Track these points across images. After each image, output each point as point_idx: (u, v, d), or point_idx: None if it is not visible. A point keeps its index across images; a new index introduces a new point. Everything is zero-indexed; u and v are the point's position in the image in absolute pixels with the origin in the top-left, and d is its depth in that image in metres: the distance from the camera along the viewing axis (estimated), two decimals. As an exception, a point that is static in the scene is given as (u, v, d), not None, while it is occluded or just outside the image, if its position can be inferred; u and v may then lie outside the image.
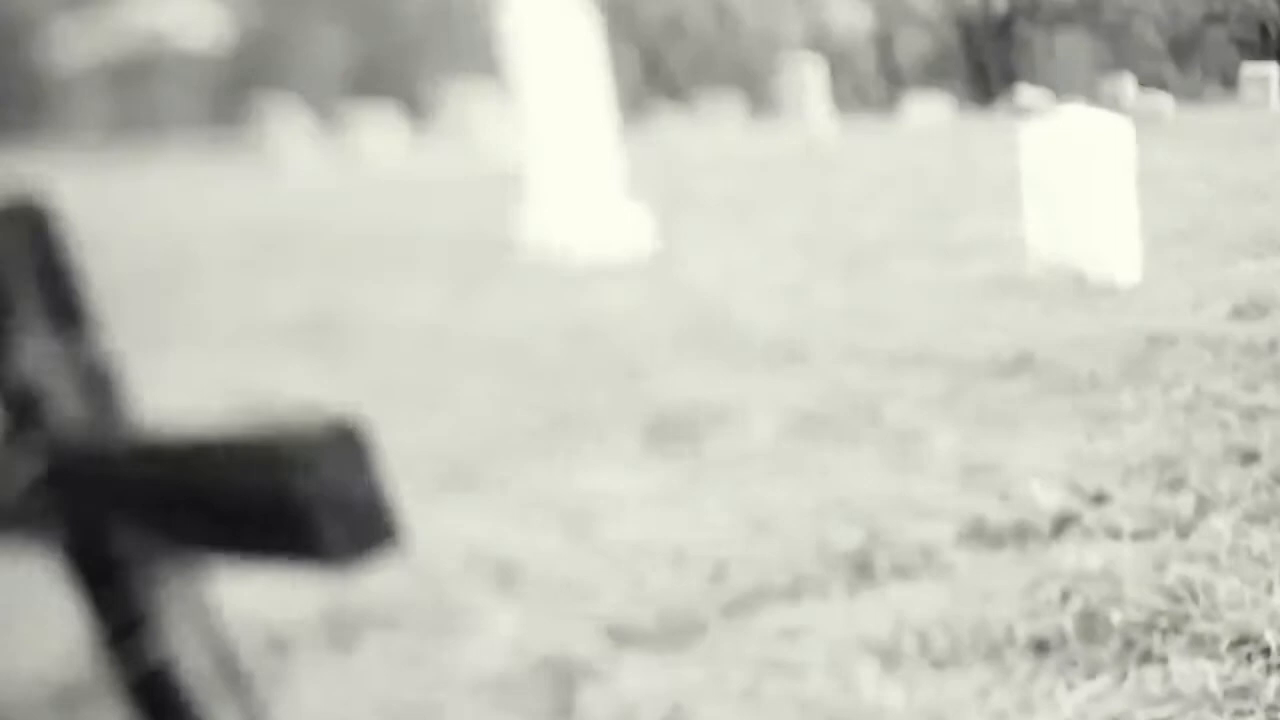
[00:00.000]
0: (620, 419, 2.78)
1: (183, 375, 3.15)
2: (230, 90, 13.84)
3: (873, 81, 20.25)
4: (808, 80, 17.04)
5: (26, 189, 1.12)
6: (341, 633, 1.70)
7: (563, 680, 1.58)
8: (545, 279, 4.94)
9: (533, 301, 4.25)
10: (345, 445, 1.02)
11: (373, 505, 1.03)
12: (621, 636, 1.70)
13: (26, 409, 1.13)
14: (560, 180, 5.70)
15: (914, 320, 3.74)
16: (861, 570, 1.86)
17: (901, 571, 1.87)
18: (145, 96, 15.52)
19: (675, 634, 1.70)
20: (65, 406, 1.11)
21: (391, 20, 15.88)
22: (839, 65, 18.27)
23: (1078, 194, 4.51)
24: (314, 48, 15.59)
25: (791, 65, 17.14)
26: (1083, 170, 4.50)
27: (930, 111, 16.82)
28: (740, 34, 18.89)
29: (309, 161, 11.19)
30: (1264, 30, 24.24)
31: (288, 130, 12.18)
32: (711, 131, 14.73)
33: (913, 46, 21.21)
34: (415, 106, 12.19)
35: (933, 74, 20.44)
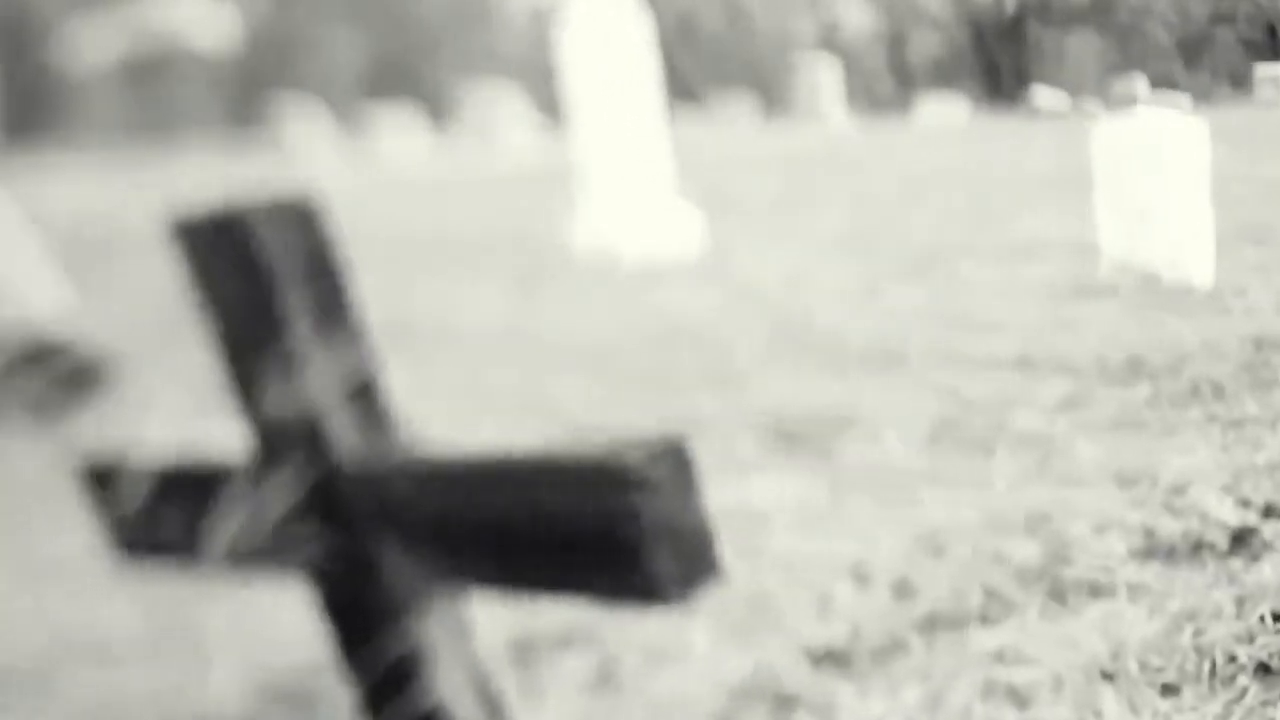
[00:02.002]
0: (734, 425, 2.71)
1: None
2: (245, 91, 13.75)
3: (884, 81, 20.19)
4: (822, 80, 16.98)
5: (297, 189, 1.05)
6: (529, 654, 1.63)
7: (773, 705, 1.51)
8: (606, 281, 4.87)
9: (603, 303, 4.18)
10: (676, 466, 0.95)
11: (702, 534, 0.96)
12: (819, 656, 1.63)
13: (291, 426, 1.05)
14: (612, 181, 5.63)
15: (1004, 323, 3.68)
16: (1051, 588, 1.79)
17: (1091, 589, 1.80)
18: (160, 97, 15.44)
19: (876, 654, 1.63)
20: (334, 422, 1.04)
21: (406, 20, 15.81)
22: (850, 65, 18.22)
23: (1152, 195, 4.45)
24: (329, 48, 15.52)
25: (805, 65, 17.08)
26: (1157, 171, 4.43)
27: (944, 111, 16.77)
28: (753, 34, 18.82)
29: (329, 162, 11.10)
30: (1271, 30, 24.24)
31: (307, 131, 12.08)
32: (727, 132, 14.66)
33: (924, 47, 21.15)
34: (434, 107, 12.12)
35: (943, 74, 20.39)
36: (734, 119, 16.38)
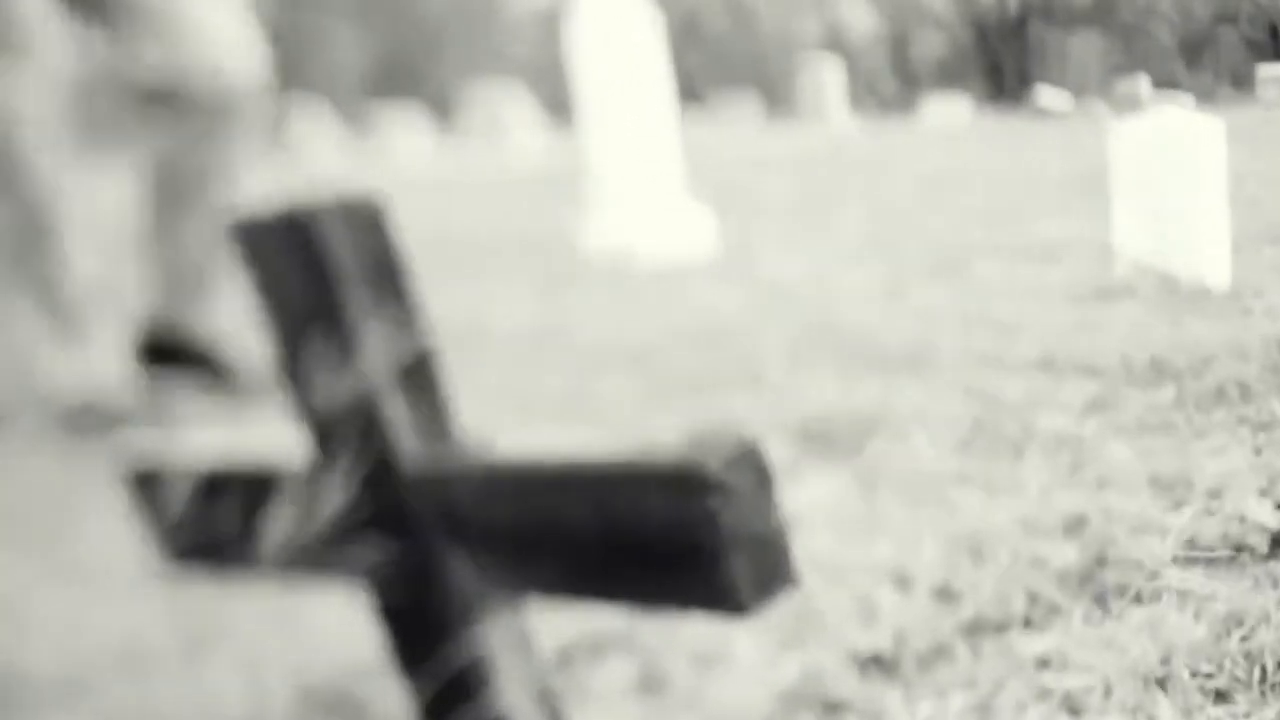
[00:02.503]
0: (766, 426, 2.70)
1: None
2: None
3: (887, 82, 20.17)
4: (826, 80, 16.96)
5: (362, 188, 1.03)
6: (567, 661, 1.61)
7: (821, 711, 1.50)
8: (624, 281, 4.85)
9: (627, 304, 4.16)
10: (754, 471, 0.93)
11: (779, 541, 0.94)
12: (864, 662, 1.61)
13: (352, 428, 1.03)
14: (625, 181, 5.62)
15: (1025, 324, 3.66)
16: (1095, 592, 1.78)
17: (1133, 593, 1.79)
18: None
19: (921, 660, 1.61)
20: (398, 426, 1.02)
21: (409, 19, 15.79)
22: (853, 65, 18.19)
23: (1169, 195, 4.43)
24: (332, 46, 15.50)
25: (809, 65, 17.06)
26: (1175, 172, 4.42)
27: (949, 112, 16.74)
28: (757, 34, 18.81)
29: (335, 161, 11.09)
30: (1274, 31, 24.24)
31: (312, 130, 12.07)
32: (732, 132, 14.64)
33: (926, 47, 21.11)
34: (439, 106, 12.09)
35: (946, 74, 20.36)
36: (738, 119, 16.37)
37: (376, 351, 0.97)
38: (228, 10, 2.24)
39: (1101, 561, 1.88)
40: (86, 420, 2.29)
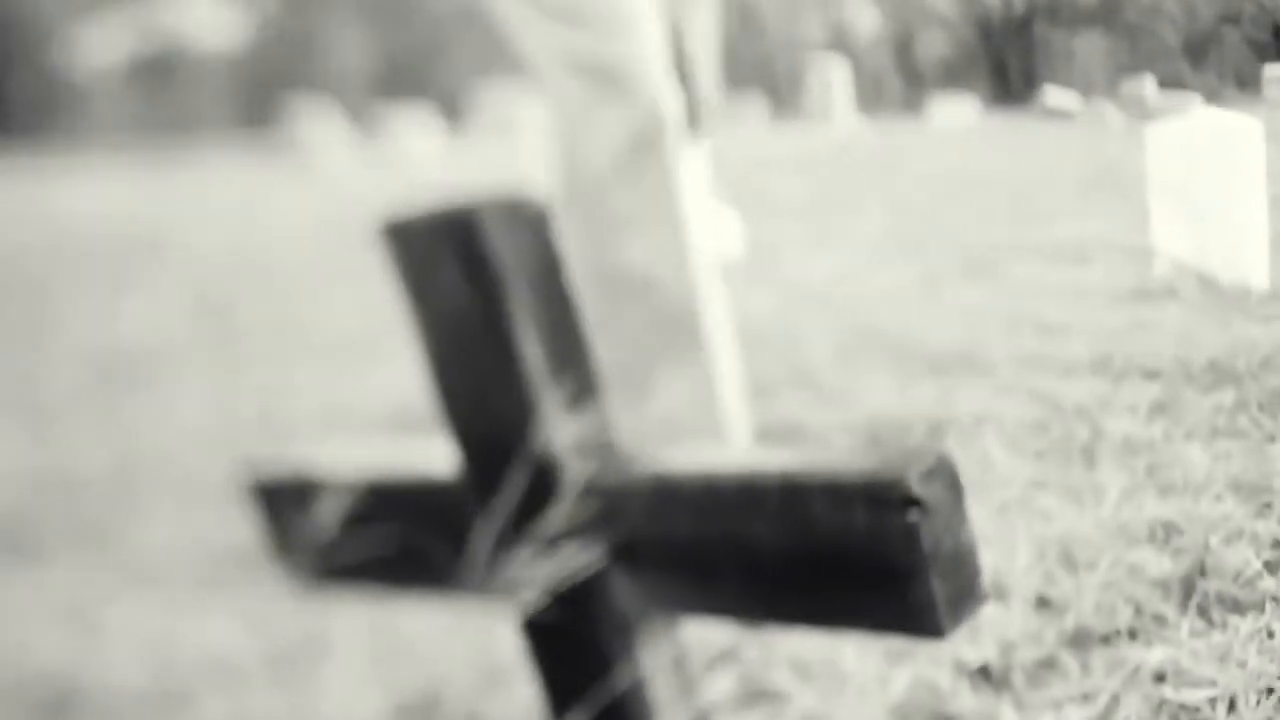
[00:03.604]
0: (828, 430, 2.66)
1: (390, 385, 3.02)
2: (255, 91, 13.67)
3: (893, 82, 20.17)
4: (833, 81, 16.93)
5: (520, 187, 0.99)
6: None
7: (936, 726, 1.46)
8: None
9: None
10: (950, 484, 0.89)
11: (973, 558, 0.90)
12: (972, 674, 1.57)
13: (509, 440, 0.99)
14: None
15: (1071, 326, 3.62)
16: (1199, 603, 1.74)
17: (1234, 603, 1.75)
18: (169, 98, 15.36)
19: (1030, 673, 1.57)
20: (558, 436, 0.98)
21: (416, 20, 15.75)
22: (857, 66, 18.18)
23: (1209, 196, 4.39)
24: (339, 48, 15.44)
25: (817, 66, 17.03)
26: (1214, 171, 4.38)
27: (956, 112, 16.72)
28: (763, 36, 18.80)
29: (346, 163, 11.03)
30: (1277, 31, 24.21)
31: (321, 131, 12.01)
32: (741, 133, 14.60)
33: (932, 47, 21.11)
34: (448, 107, 12.05)
35: (952, 75, 20.37)
36: (745, 120, 16.34)
37: (539, 360, 0.93)
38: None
39: (1200, 570, 1.84)
40: None
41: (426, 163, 11.24)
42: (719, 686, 1.53)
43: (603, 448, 0.98)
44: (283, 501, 1.08)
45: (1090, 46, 22.82)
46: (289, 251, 5.96)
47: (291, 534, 1.08)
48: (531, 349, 0.93)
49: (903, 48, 22.08)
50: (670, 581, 0.94)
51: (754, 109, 17.02)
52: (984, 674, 1.57)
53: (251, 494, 1.08)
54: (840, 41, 19.68)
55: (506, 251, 0.91)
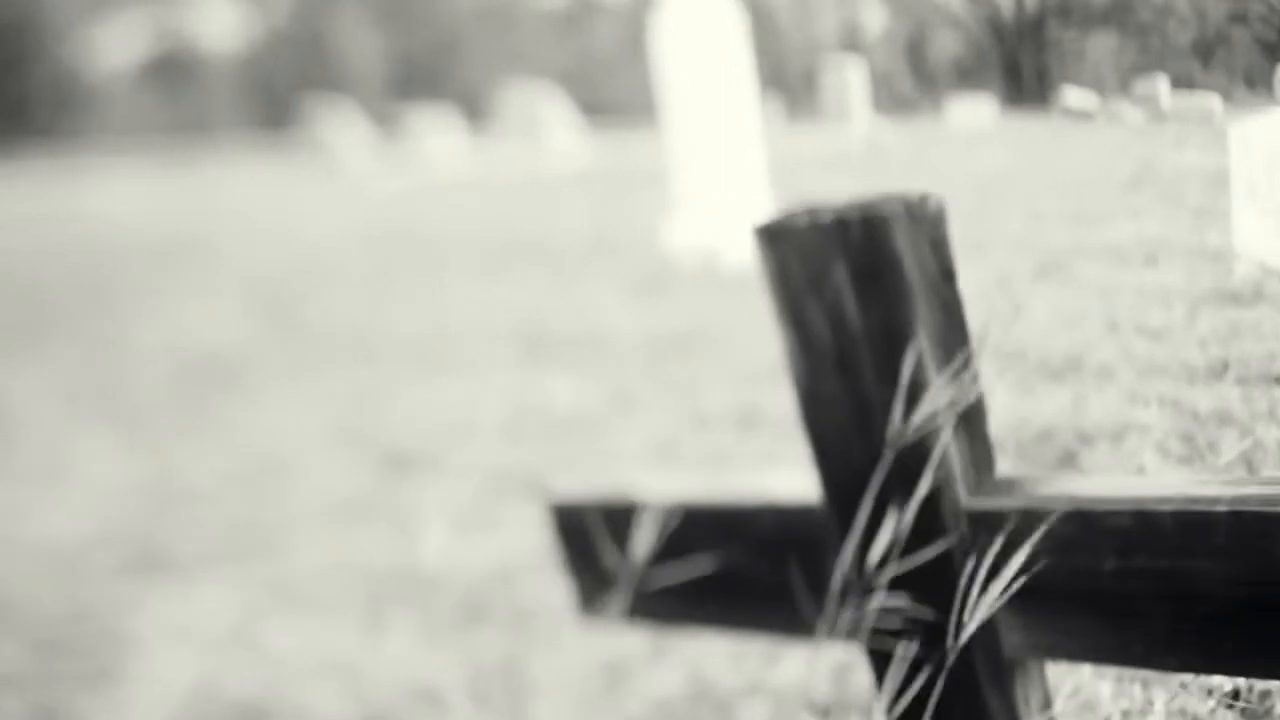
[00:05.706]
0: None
1: (452, 394, 2.94)
2: (273, 92, 13.60)
3: (906, 83, 20.06)
4: (850, 82, 16.86)
5: (923, 187, 0.91)
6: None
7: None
8: (717, 284, 4.73)
9: (736, 308, 4.05)
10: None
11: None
12: (1222, 697, 1.50)
13: (894, 464, 0.91)
14: (707, 181, 5.51)
15: (1167, 328, 3.55)
16: None
17: None
18: (186, 99, 15.26)
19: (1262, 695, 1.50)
20: (948, 460, 0.89)
21: (434, 19, 15.66)
22: (873, 66, 18.08)
23: (1289, 196, 4.32)
24: (357, 47, 15.35)
25: (832, 67, 16.95)
26: (1295, 172, 4.31)
27: (974, 112, 16.65)
28: (777, 36, 18.69)
29: (369, 165, 10.95)
30: (1285, 31, 24.24)
31: (341, 132, 11.92)
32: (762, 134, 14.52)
33: (945, 48, 21.03)
34: (469, 107, 11.96)
35: (965, 75, 20.28)
36: (763, 120, 16.28)
37: (933, 373, 0.85)
38: None
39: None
40: None
41: (451, 162, 11.16)
42: None
43: (984, 470, 0.90)
44: (597, 530, 1.00)
45: (1102, 46, 22.82)
46: (337, 255, 5.89)
47: (605, 564, 1.00)
48: (926, 363, 0.85)
49: (914, 48, 22.04)
50: (1075, 623, 0.86)
51: (770, 111, 16.97)
52: (1235, 697, 1.50)
53: (557, 521, 1.00)
54: (851, 41, 19.62)
55: (910, 255, 0.83)
